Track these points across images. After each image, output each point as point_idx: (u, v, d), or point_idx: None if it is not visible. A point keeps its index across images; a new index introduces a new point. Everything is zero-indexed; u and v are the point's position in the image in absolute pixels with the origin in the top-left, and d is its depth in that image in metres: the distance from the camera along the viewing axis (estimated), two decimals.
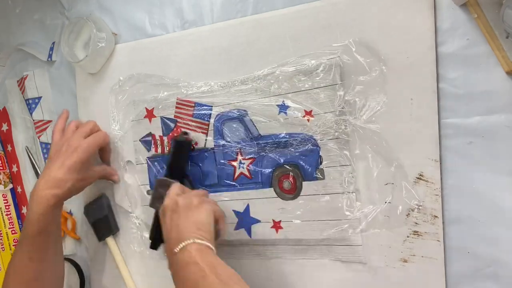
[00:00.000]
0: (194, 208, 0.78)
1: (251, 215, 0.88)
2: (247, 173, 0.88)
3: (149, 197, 0.96)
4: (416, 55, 0.75)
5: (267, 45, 0.87)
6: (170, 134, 0.95)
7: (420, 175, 0.75)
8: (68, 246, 1.14)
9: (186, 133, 0.93)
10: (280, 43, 0.85)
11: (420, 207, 0.75)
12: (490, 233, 0.73)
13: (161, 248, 0.89)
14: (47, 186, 0.88)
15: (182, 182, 0.87)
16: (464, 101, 0.73)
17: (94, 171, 0.96)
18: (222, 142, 0.90)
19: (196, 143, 0.92)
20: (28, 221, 0.88)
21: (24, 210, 1.21)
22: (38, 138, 1.16)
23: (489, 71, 0.71)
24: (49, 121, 1.15)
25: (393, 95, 0.77)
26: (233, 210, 0.89)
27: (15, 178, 1.22)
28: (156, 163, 0.97)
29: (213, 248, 0.74)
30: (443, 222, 0.75)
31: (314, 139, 0.82)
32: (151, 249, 0.90)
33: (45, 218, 0.87)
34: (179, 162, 0.91)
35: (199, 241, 0.72)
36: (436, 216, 0.74)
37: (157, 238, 0.89)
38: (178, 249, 0.72)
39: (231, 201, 0.90)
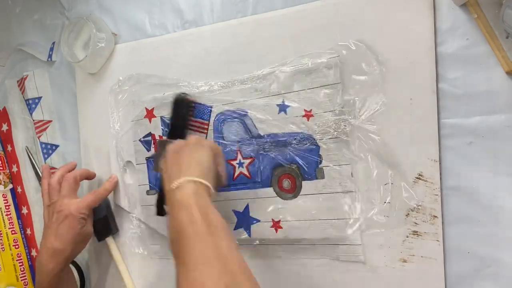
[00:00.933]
0: (197, 146, 0.76)
1: (251, 214, 0.88)
2: (246, 173, 0.88)
3: (149, 197, 0.97)
4: (415, 55, 0.75)
5: (267, 45, 0.87)
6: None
7: (420, 175, 0.75)
8: None
9: (185, 93, 0.91)
10: (280, 43, 0.85)
11: (420, 207, 0.75)
12: (489, 233, 0.72)
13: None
14: (49, 256, 0.90)
15: None
16: (464, 101, 0.73)
17: (88, 226, 0.96)
18: (221, 141, 0.89)
19: (195, 101, 0.91)
20: (39, 286, 0.92)
21: (24, 210, 1.21)
22: (38, 138, 1.16)
23: (489, 71, 0.71)
24: (49, 121, 1.15)
25: (393, 95, 0.76)
26: (232, 210, 0.89)
27: (15, 178, 1.22)
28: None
29: (213, 189, 0.71)
30: (442, 222, 0.74)
31: (314, 139, 0.82)
32: (158, 216, 0.90)
33: (53, 284, 0.91)
34: (179, 123, 0.90)
35: (198, 179, 0.70)
36: (435, 216, 0.74)
37: (162, 203, 0.89)
38: (175, 185, 0.69)
39: (230, 200, 0.90)
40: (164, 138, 0.90)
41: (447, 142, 0.74)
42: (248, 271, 0.60)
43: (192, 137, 0.80)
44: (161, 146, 0.85)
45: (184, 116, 0.90)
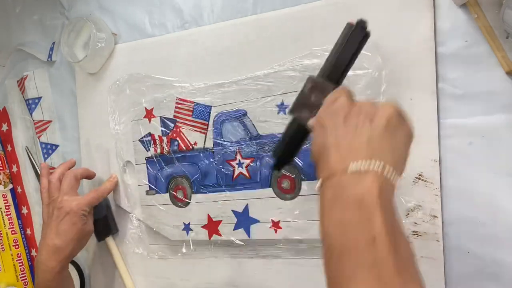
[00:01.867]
0: (395, 125, 0.53)
1: (250, 215, 0.88)
2: (246, 173, 0.88)
3: (148, 197, 0.96)
4: (416, 55, 0.75)
5: (266, 45, 0.87)
6: (170, 134, 0.94)
7: (420, 175, 0.75)
8: None
9: (363, 21, 0.65)
10: (280, 43, 0.85)
11: (420, 207, 0.75)
12: (490, 233, 0.72)
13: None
14: (49, 254, 0.90)
15: None
16: (464, 101, 0.73)
17: (89, 223, 0.95)
18: (221, 142, 0.89)
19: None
20: (39, 286, 0.91)
21: (24, 210, 1.21)
22: (38, 138, 1.16)
23: (489, 71, 0.71)
24: (49, 121, 1.15)
25: (393, 95, 0.76)
26: (232, 210, 0.89)
27: (15, 178, 1.22)
28: (155, 163, 0.97)
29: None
30: (442, 222, 0.74)
31: None
32: (274, 170, 0.80)
33: (54, 284, 0.91)
34: (347, 59, 0.65)
35: (390, 173, 0.49)
36: (435, 216, 0.74)
37: (285, 157, 0.69)
38: (354, 168, 0.49)
39: (230, 201, 0.89)
40: (317, 77, 0.66)
41: (447, 142, 0.74)
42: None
43: (385, 110, 0.54)
44: (312, 87, 0.65)
45: (355, 52, 0.66)
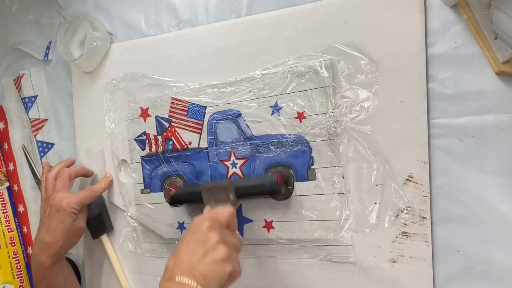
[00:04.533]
0: (222, 259, 0.68)
1: (244, 214, 0.89)
2: (240, 173, 0.89)
3: (143, 195, 0.98)
4: (406, 57, 0.76)
5: (260, 46, 0.87)
6: (165, 133, 0.95)
7: (410, 176, 0.75)
8: None
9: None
10: (273, 44, 0.86)
11: (409, 209, 0.76)
12: (479, 232, 0.73)
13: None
14: (41, 250, 0.93)
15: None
16: (454, 101, 0.74)
17: (79, 221, 0.96)
18: (215, 142, 0.90)
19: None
20: (35, 280, 0.95)
21: (20, 208, 1.22)
22: (35, 137, 1.18)
23: (479, 71, 0.72)
24: (45, 120, 1.16)
25: (384, 97, 0.77)
26: None
27: (11, 177, 1.23)
28: (150, 162, 0.97)
29: None
30: (431, 223, 0.75)
31: (306, 140, 0.83)
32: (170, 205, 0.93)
33: (47, 278, 0.94)
34: (253, 193, 0.84)
35: None
36: (424, 218, 0.75)
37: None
38: (181, 279, 0.65)
39: None
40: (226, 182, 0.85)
41: (437, 142, 0.75)
42: None
43: (229, 245, 0.71)
44: (218, 189, 0.83)
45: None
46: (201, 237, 0.70)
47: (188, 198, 0.90)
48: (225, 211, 0.75)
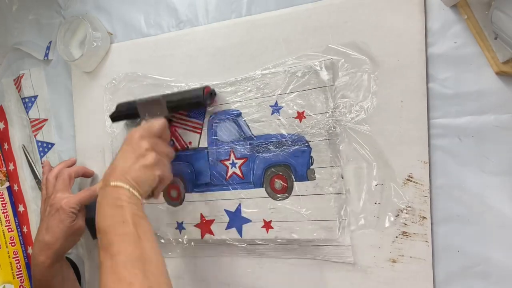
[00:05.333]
0: (152, 164, 0.79)
1: (243, 214, 0.89)
2: (239, 173, 0.89)
3: None
4: (406, 57, 0.76)
5: (260, 46, 0.88)
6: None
7: (410, 176, 0.75)
8: None
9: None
10: (273, 44, 0.86)
11: (409, 208, 0.76)
12: (479, 232, 0.73)
13: None
14: (40, 250, 0.94)
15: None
16: (454, 101, 0.74)
17: (79, 221, 0.97)
18: (215, 141, 0.90)
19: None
20: (34, 279, 0.96)
21: (20, 208, 1.22)
22: (35, 137, 1.18)
23: (479, 71, 0.72)
24: (45, 120, 1.16)
25: (384, 97, 0.77)
26: (224, 210, 0.90)
27: (11, 176, 1.23)
28: None
29: (143, 202, 0.77)
30: (431, 223, 0.75)
31: (306, 140, 0.83)
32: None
33: (46, 277, 0.95)
34: (182, 106, 0.90)
35: (136, 193, 0.75)
36: (424, 217, 0.75)
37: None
38: (114, 184, 0.74)
39: (223, 200, 0.90)
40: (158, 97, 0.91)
41: (437, 142, 0.75)
42: (166, 273, 0.69)
43: (158, 151, 0.82)
44: (154, 104, 0.90)
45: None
46: (133, 145, 0.80)
47: (127, 114, 0.94)
48: (157, 122, 0.85)
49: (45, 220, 0.94)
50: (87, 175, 1.06)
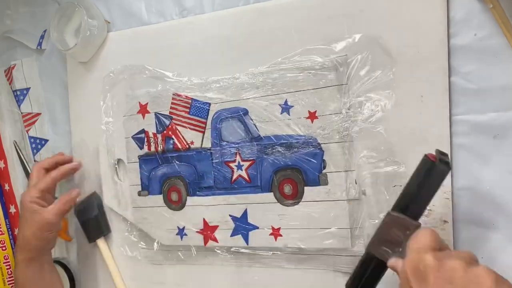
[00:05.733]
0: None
1: (249, 221, 0.89)
2: (245, 176, 0.89)
3: (140, 198, 0.99)
4: (427, 48, 0.75)
5: (270, 36, 0.87)
6: (165, 131, 0.96)
7: None
8: (58, 249, 1.16)
9: (444, 154, 0.67)
10: (284, 34, 0.86)
11: (429, 212, 0.76)
12: (505, 238, 0.73)
13: None
14: (16, 248, 0.97)
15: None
16: (478, 96, 0.74)
17: (44, 213, 0.95)
18: (219, 142, 0.91)
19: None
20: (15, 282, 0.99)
21: (12, 209, 1.23)
22: (27, 132, 1.18)
23: (505, 64, 0.72)
24: (38, 114, 1.17)
25: (402, 92, 0.77)
26: (229, 215, 0.91)
27: (2, 175, 1.24)
28: (148, 162, 0.99)
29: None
30: (453, 228, 0.75)
31: (318, 142, 0.83)
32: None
33: (20, 277, 0.97)
34: (429, 196, 0.66)
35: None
36: (446, 221, 0.75)
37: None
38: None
39: (227, 205, 0.91)
40: (398, 214, 0.67)
41: (460, 140, 0.75)
42: None
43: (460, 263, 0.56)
44: (394, 224, 0.66)
45: (435, 186, 0.66)
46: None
47: (369, 279, 0.72)
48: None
49: (23, 218, 0.96)
50: (67, 164, 1.05)
